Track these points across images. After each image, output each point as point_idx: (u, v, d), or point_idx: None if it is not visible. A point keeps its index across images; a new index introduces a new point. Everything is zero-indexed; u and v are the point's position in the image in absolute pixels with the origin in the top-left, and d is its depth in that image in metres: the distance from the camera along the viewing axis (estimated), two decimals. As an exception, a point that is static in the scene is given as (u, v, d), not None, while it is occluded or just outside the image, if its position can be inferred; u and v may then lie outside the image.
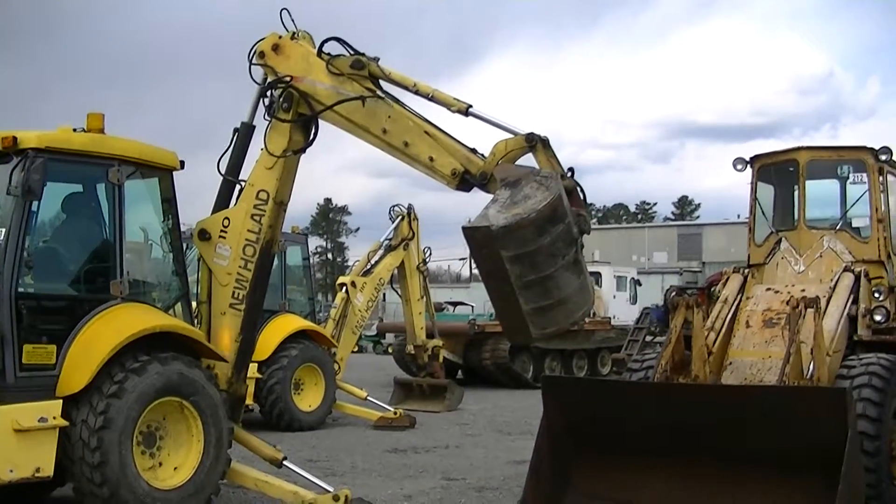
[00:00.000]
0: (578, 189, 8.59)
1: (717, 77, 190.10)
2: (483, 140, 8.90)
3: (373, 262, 20.51)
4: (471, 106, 9.01)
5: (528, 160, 8.70)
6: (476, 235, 7.81)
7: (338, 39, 9.49)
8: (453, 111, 9.08)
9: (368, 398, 18.86)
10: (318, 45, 9.61)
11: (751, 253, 12.25)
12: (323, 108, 9.43)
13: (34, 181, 8.58)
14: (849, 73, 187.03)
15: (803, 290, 10.83)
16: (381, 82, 9.41)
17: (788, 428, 8.53)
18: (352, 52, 9.42)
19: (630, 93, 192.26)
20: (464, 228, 7.83)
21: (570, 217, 8.13)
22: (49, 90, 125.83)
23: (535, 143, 8.62)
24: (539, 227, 7.85)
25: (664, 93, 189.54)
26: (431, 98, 9.21)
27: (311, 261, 22.15)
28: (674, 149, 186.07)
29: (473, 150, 8.94)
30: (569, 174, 8.59)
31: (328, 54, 9.46)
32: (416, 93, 9.30)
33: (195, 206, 10.90)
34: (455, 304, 38.37)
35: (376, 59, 9.40)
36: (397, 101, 9.34)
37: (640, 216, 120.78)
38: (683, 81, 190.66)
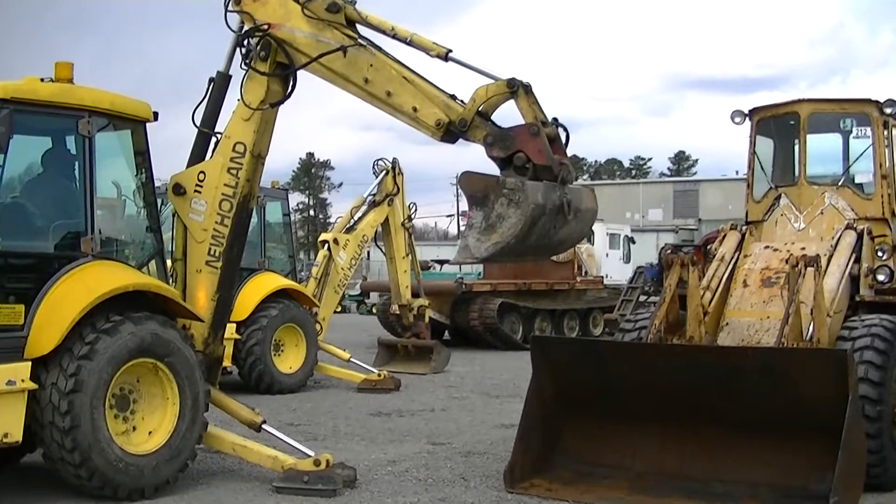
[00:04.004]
0: (560, 136, 8.64)
1: (721, 26, 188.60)
2: (464, 87, 8.84)
3: (356, 218, 20.26)
4: (450, 51, 8.92)
5: (510, 107, 8.68)
6: (466, 261, 8.04)
7: None
8: (432, 56, 8.98)
9: (351, 360, 18.69)
10: None
11: (749, 209, 12.15)
12: (304, 60, 9.29)
13: None
14: (861, 22, 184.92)
15: (803, 249, 10.72)
16: (359, 27, 9.27)
17: (787, 391, 8.53)
18: None
19: (629, 42, 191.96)
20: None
21: (552, 202, 8.28)
22: (13, 38, 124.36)
23: (517, 88, 8.59)
24: (522, 238, 8.14)
25: (665, 42, 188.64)
26: (410, 42, 9.10)
27: (292, 217, 21.92)
28: (672, 102, 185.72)
29: (453, 97, 8.86)
30: (552, 122, 8.61)
31: None
32: (395, 37, 9.19)
33: (171, 159, 10.65)
34: (442, 262, 38.17)
35: (353, 2, 9.26)
36: (380, 49, 9.20)
37: (634, 172, 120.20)
38: (685, 30, 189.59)
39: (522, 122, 8.52)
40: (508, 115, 8.67)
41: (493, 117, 8.71)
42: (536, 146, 8.30)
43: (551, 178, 8.30)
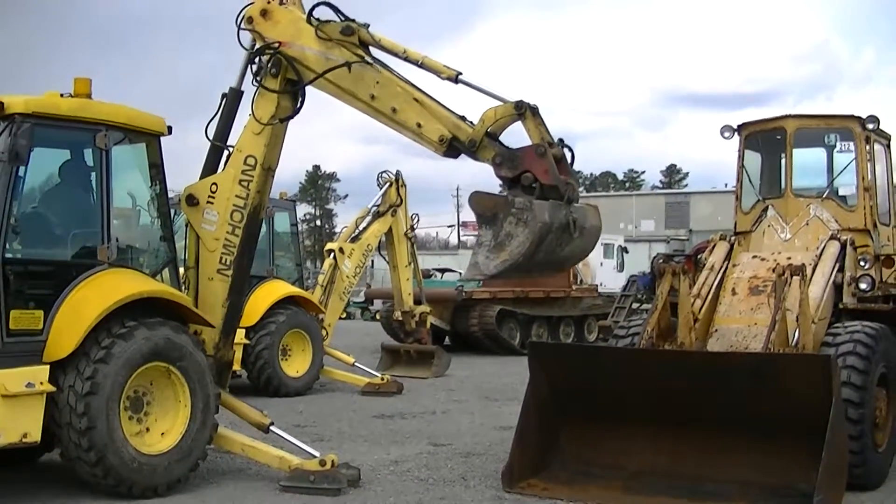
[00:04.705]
0: (566, 157, 8.78)
1: (712, 43, 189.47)
2: (473, 108, 8.98)
3: (360, 228, 20.42)
4: (460, 73, 9.06)
5: (517, 128, 8.82)
6: (476, 277, 8.35)
7: (328, 4, 9.45)
8: (443, 78, 9.13)
9: (356, 364, 18.81)
10: (307, 11, 9.56)
11: (737, 220, 12.25)
12: (312, 76, 9.44)
13: (21, 146, 8.57)
14: (845, 40, 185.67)
15: (789, 258, 10.82)
16: (372, 49, 9.42)
17: (774, 395, 8.63)
18: (342, 18, 9.39)
19: (624, 59, 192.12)
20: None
21: (558, 221, 8.47)
22: (35, 55, 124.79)
23: (525, 110, 8.73)
24: (530, 256, 8.36)
25: (658, 58, 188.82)
26: (421, 65, 9.25)
27: (300, 227, 22.01)
28: (666, 117, 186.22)
29: (463, 118, 8.98)
30: (557, 143, 8.74)
31: (318, 20, 9.43)
32: (406, 59, 9.33)
33: (185, 172, 10.87)
34: (443, 270, 38.34)
35: (366, 25, 9.39)
36: (386, 66, 9.35)
37: (627, 184, 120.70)
38: (677, 47, 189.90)
39: (529, 142, 8.67)
40: (516, 136, 8.84)
41: (500, 138, 8.87)
42: (543, 166, 8.48)
43: (558, 197, 8.49)
